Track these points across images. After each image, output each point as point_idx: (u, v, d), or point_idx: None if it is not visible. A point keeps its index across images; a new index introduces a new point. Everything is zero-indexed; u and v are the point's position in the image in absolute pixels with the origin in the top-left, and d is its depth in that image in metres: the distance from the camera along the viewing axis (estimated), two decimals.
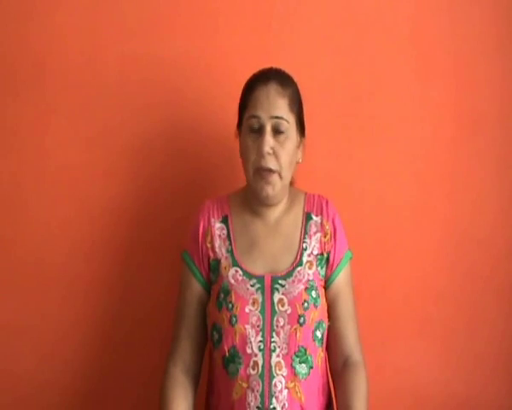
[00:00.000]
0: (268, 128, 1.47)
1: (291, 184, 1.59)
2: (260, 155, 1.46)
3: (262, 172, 1.47)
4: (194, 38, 1.79)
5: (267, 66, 1.55)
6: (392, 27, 1.84)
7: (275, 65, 1.56)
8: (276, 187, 1.48)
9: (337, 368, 1.51)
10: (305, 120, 1.57)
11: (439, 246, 1.84)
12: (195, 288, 1.53)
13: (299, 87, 1.55)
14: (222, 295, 1.47)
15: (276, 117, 1.47)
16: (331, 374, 1.54)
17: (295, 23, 1.81)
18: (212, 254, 1.52)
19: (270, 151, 1.46)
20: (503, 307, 1.85)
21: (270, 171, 1.47)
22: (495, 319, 1.85)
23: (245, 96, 1.53)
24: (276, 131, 1.48)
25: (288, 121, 1.49)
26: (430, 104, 1.84)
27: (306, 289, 1.47)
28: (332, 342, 1.52)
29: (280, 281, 1.47)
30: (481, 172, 1.85)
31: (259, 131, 1.48)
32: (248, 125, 1.50)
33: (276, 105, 1.48)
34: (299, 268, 1.49)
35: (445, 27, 1.84)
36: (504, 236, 1.86)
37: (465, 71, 1.85)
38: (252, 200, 1.55)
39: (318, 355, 1.47)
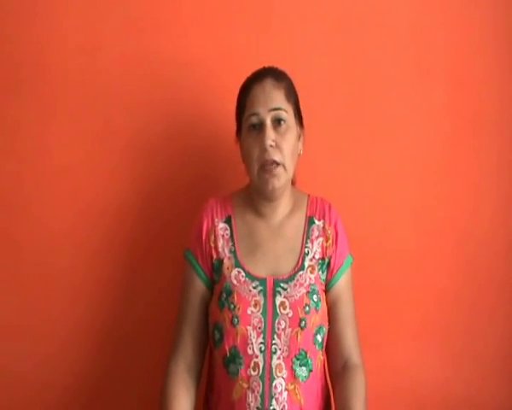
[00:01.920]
0: (268, 122, 1.48)
1: (292, 184, 1.60)
2: (263, 149, 1.47)
3: (266, 167, 1.47)
4: (195, 37, 1.78)
5: (268, 65, 1.56)
6: (392, 27, 1.83)
7: (275, 65, 1.57)
8: (281, 179, 1.49)
9: (336, 371, 1.52)
10: (301, 111, 1.58)
11: (438, 246, 1.85)
12: (198, 286, 1.54)
13: (300, 87, 1.56)
14: (224, 295, 1.48)
15: (275, 109, 1.49)
16: (330, 377, 1.55)
17: (295, 23, 1.80)
18: (215, 254, 1.53)
19: (273, 144, 1.47)
20: (503, 306, 1.86)
21: (275, 163, 1.47)
22: (494, 318, 1.86)
23: (241, 98, 1.54)
24: (277, 123, 1.49)
25: (286, 111, 1.50)
26: (430, 104, 1.84)
27: (308, 293, 1.48)
28: (331, 345, 1.53)
29: (282, 284, 1.48)
30: (481, 171, 1.85)
31: (260, 128, 1.49)
32: (248, 124, 1.50)
33: (272, 97, 1.49)
34: (300, 272, 1.50)
35: (444, 27, 1.84)
36: (503, 235, 1.86)
37: (465, 71, 1.85)
38: (255, 199, 1.56)
39: (318, 359, 1.49)
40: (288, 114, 1.50)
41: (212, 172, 1.80)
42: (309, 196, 1.61)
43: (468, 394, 1.85)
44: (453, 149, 1.85)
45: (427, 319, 1.85)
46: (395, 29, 1.83)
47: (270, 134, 1.47)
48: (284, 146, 1.48)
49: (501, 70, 1.85)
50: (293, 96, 1.54)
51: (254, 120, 1.49)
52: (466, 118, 1.85)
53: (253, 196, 1.56)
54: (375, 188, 1.83)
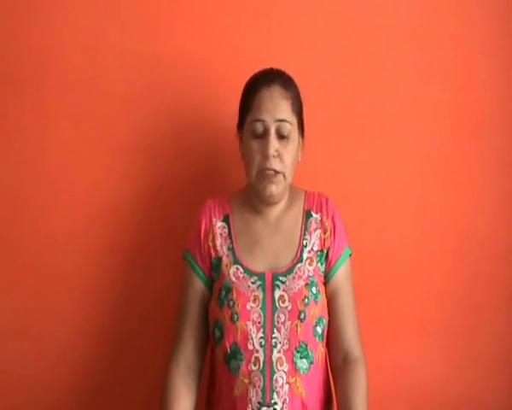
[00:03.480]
0: (272, 131, 1.49)
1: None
2: (265, 157, 1.48)
3: (266, 173, 1.49)
4: (195, 37, 1.80)
5: (268, 65, 1.57)
6: (392, 27, 1.85)
7: (275, 64, 1.57)
8: (279, 186, 1.50)
9: (337, 364, 1.51)
10: (304, 120, 1.59)
11: (439, 246, 1.85)
12: (198, 286, 1.55)
13: (300, 86, 1.57)
14: (223, 293, 1.49)
15: (280, 120, 1.49)
16: (331, 370, 1.54)
17: (295, 23, 1.82)
18: (213, 253, 1.54)
19: (275, 153, 1.49)
20: (504, 306, 1.86)
21: (275, 172, 1.49)
22: (495, 318, 1.86)
23: (247, 97, 1.54)
24: (280, 135, 1.50)
25: (291, 123, 1.51)
26: (430, 104, 1.85)
27: (307, 285, 1.48)
28: (331, 338, 1.53)
29: (280, 278, 1.48)
30: (481, 172, 1.86)
31: (264, 134, 1.50)
32: (252, 129, 1.51)
33: (280, 108, 1.50)
34: (299, 265, 1.50)
35: (445, 27, 1.85)
36: (504, 236, 1.86)
37: (465, 71, 1.86)
38: (253, 199, 1.57)
39: (319, 351, 1.48)
40: (292, 127, 1.51)
41: (213, 172, 1.81)
42: (306, 191, 1.62)
43: (469, 394, 1.84)
44: (454, 149, 1.86)
45: (428, 319, 1.84)
46: (396, 29, 1.85)
47: (274, 143, 1.49)
48: (286, 157, 1.50)
49: (502, 70, 1.86)
50: (298, 107, 1.55)
51: (259, 126, 1.50)
52: (467, 119, 1.86)
53: (251, 196, 1.58)
54: (375, 189, 1.83)
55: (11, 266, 1.78)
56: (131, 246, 1.80)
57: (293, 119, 1.52)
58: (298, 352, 1.45)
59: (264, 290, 1.47)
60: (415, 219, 1.85)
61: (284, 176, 1.51)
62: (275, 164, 1.49)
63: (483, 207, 1.86)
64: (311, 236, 1.54)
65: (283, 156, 1.50)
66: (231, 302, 1.47)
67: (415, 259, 1.85)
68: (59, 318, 1.79)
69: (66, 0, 1.78)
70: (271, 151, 1.48)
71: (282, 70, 1.57)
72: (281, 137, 1.50)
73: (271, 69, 1.57)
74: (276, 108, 1.49)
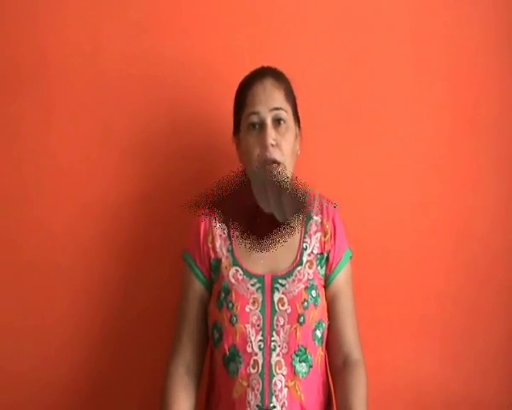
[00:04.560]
0: (269, 121, 1.49)
1: None
2: (264, 147, 1.48)
3: (267, 164, 1.48)
4: (195, 36, 1.80)
5: (268, 64, 1.58)
6: (391, 27, 1.84)
7: (275, 64, 1.58)
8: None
9: (337, 367, 1.51)
10: (298, 111, 1.59)
11: (438, 244, 1.85)
12: (197, 288, 1.54)
13: (300, 86, 1.58)
14: (222, 295, 1.48)
15: (275, 108, 1.50)
16: (331, 373, 1.54)
17: (295, 22, 1.82)
18: (213, 254, 1.53)
19: (274, 143, 1.49)
20: (502, 305, 1.86)
21: (276, 162, 1.48)
22: (494, 316, 1.86)
23: (241, 95, 1.55)
24: (277, 123, 1.50)
25: (286, 111, 1.52)
26: (430, 103, 1.85)
27: (306, 288, 1.48)
28: (331, 341, 1.52)
29: (280, 280, 1.48)
30: (480, 171, 1.86)
31: (260, 127, 1.50)
32: (248, 123, 1.52)
33: (273, 97, 1.51)
34: (299, 268, 1.50)
35: (444, 27, 1.85)
36: (503, 234, 1.86)
37: (464, 71, 1.85)
38: None
39: (318, 354, 1.48)
40: (287, 115, 1.52)
41: (212, 171, 1.79)
42: None
43: (468, 392, 1.84)
44: (453, 148, 1.86)
45: (427, 317, 1.84)
46: (395, 29, 1.85)
47: (271, 133, 1.49)
48: (284, 145, 1.50)
49: (501, 70, 1.86)
50: (291, 97, 1.56)
51: (255, 118, 1.51)
52: (465, 118, 1.86)
53: None
54: (374, 187, 1.83)
55: (9, 264, 1.78)
56: (129, 244, 1.80)
57: (287, 107, 1.53)
58: (297, 356, 1.44)
59: (263, 293, 1.46)
60: (413, 219, 1.85)
61: (285, 166, 1.50)
62: (274, 154, 1.49)
63: (481, 206, 1.86)
64: (311, 238, 1.54)
65: (282, 145, 1.50)
66: (230, 304, 1.46)
67: (413, 258, 1.85)
68: (56, 316, 1.78)
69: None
70: (270, 141, 1.48)
71: (271, 66, 1.58)
72: (277, 124, 1.50)
73: (261, 67, 1.58)
74: (269, 98, 1.50)
